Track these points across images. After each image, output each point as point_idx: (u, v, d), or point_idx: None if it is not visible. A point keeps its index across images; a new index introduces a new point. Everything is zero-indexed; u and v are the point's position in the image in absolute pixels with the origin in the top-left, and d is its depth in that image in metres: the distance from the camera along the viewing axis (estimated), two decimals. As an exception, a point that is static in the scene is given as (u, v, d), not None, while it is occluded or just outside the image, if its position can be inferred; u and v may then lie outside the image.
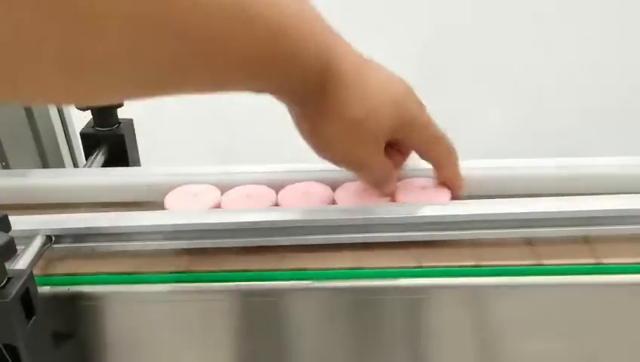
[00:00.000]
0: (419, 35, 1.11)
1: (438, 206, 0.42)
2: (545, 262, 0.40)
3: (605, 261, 0.40)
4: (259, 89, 0.33)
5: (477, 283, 0.40)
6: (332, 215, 0.42)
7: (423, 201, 0.43)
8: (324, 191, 0.46)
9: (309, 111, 0.36)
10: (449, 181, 0.44)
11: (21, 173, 0.50)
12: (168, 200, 0.46)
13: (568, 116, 1.17)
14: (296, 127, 0.38)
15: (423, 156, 0.43)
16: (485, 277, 0.40)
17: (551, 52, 1.14)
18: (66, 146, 0.67)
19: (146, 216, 0.42)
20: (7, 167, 0.61)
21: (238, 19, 0.28)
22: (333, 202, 0.45)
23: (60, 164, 0.67)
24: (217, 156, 1.16)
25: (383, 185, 0.43)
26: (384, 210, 0.42)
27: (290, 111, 0.37)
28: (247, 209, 0.44)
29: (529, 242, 0.42)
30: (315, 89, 0.35)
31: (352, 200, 0.44)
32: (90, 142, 0.55)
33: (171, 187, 0.47)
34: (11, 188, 0.48)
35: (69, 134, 0.67)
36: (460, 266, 0.40)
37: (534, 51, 1.14)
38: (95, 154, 0.54)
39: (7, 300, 0.33)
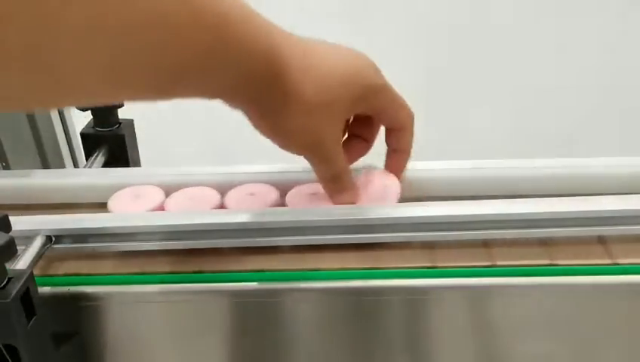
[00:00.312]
0: (419, 35, 1.11)
1: (439, 206, 0.42)
2: (546, 262, 0.41)
3: (621, 261, 0.41)
4: (209, 91, 0.33)
5: (474, 284, 0.40)
6: (329, 215, 0.42)
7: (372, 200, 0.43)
8: (269, 192, 0.46)
9: (265, 108, 0.36)
10: (404, 150, 0.44)
11: (21, 174, 0.50)
12: (111, 203, 0.45)
13: (568, 116, 1.17)
14: (255, 127, 0.37)
15: (387, 122, 0.43)
16: (483, 278, 0.40)
17: (550, 52, 1.14)
18: (67, 146, 0.67)
19: (147, 217, 0.42)
20: (7, 167, 0.61)
21: (184, 12, 0.28)
22: (281, 204, 0.45)
23: (61, 165, 0.67)
24: (217, 156, 1.16)
25: (340, 180, 0.42)
26: (381, 210, 0.42)
27: (247, 114, 0.36)
28: (251, 209, 0.44)
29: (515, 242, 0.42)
30: (266, 83, 0.34)
31: (302, 204, 0.44)
32: (91, 142, 0.55)
33: (171, 187, 0.47)
34: (12, 188, 0.48)
35: (69, 134, 0.67)
36: (457, 267, 0.41)
37: (534, 51, 1.14)
38: (95, 154, 0.54)
39: (8, 300, 0.33)
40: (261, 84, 0.34)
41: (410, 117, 0.43)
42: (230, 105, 0.35)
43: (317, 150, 0.39)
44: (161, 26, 0.27)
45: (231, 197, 0.45)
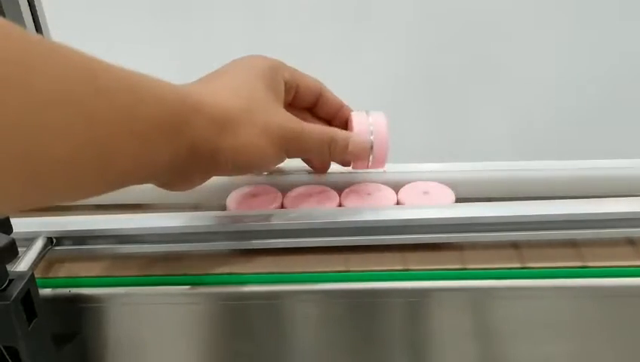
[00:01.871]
0: (421, 36, 1.11)
1: (440, 209, 0.42)
2: (578, 264, 0.41)
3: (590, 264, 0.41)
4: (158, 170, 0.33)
5: (476, 287, 0.40)
6: (333, 217, 0.42)
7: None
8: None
9: (215, 145, 0.35)
10: (340, 105, 0.45)
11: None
12: (230, 201, 0.46)
13: (569, 118, 1.17)
14: (226, 168, 0.37)
15: (306, 95, 0.44)
16: (484, 281, 0.40)
17: (552, 53, 1.14)
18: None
19: (147, 219, 0.42)
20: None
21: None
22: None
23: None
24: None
25: (334, 141, 0.41)
26: (384, 213, 0.42)
27: (209, 166, 0.36)
28: (247, 211, 0.44)
29: (515, 245, 0.42)
30: (194, 122, 0.34)
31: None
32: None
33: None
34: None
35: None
36: (459, 269, 0.41)
37: (536, 52, 1.14)
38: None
39: (9, 302, 0.33)
40: (193, 126, 0.34)
41: (317, 80, 0.44)
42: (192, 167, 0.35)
43: (290, 141, 0.39)
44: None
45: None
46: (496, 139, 1.17)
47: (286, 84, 0.41)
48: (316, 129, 0.40)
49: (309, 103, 0.44)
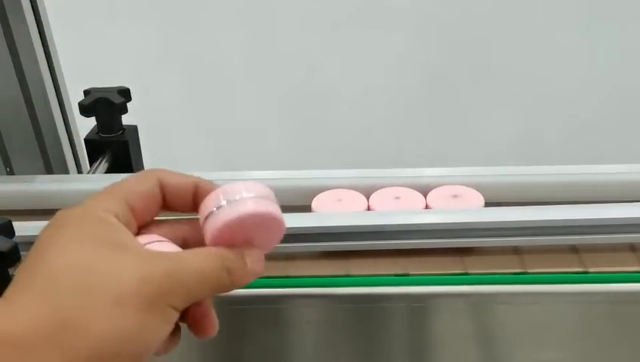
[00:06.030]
0: (423, 38, 1.11)
1: (434, 213, 0.42)
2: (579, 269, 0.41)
3: (592, 270, 0.41)
4: None
5: (481, 291, 0.40)
6: (338, 221, 0.41)
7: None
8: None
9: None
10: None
11: (25, 179, 0.50)
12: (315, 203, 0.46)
13: (574, 121, 1.17)
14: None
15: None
16: (489, 285, 0.40)
17: (555, 56, 1.14)
18: (70, 152, 0.67)
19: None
20: (11, 172, 0.61)
21: None
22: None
23: (64, 170, 0.67)
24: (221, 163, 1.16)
25: (232, 270, 0.29)
26: (394, 217, 0.42)
27: None
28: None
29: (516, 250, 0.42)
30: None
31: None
32: (95, 148, 0.55)
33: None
34: (15, 193, 0.48)
35: (73, 140, 0.67)
36: (462, 273, 0.40)
37: (539, 55, 1.14)
38: (99, 160, 0.54)
39: (10, 306, 0.33)
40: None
41: (186, 175, 0.32)
42: None
43: (165, 291, 0.27)
44: None
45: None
46: (500, 141, 1.17)
47: (135, 210, 0.31)
48: (199, 257, 0.29)
49: (185, 202, 0.32)
